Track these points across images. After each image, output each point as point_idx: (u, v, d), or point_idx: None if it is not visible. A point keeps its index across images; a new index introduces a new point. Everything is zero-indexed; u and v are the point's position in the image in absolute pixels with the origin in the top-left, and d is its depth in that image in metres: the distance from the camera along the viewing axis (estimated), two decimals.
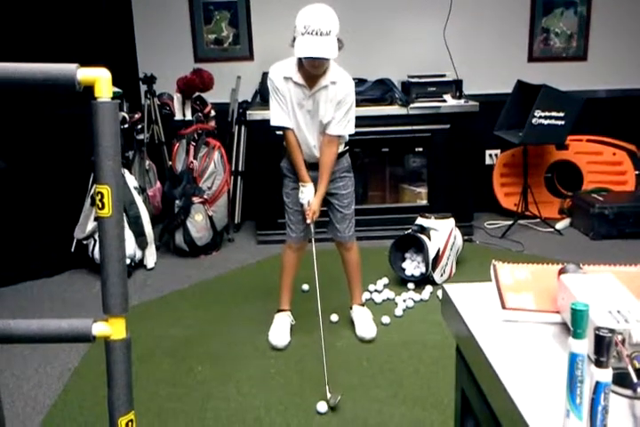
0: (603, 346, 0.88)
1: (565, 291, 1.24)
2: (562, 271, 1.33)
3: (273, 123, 2.92)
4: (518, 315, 1.31)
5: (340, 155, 3.00)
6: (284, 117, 2.89)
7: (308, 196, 2.99)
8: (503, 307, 1.33)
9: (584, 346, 0.92)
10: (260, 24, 4.76)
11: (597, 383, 0.89)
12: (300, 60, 2.76)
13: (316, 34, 2.62)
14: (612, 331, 0.88)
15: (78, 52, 3.78)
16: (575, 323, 0.93)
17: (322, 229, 4.87)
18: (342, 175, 3.06)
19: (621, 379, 1.04)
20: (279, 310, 3.23)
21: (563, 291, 1.26)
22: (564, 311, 1.25)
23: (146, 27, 4.78)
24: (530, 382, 1.11)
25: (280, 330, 3.13)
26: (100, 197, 1.33)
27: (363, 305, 3.28)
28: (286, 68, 2.83)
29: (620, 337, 1.08)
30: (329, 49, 2.64)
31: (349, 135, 3.00)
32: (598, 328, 0.89)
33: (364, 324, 3.17)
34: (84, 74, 1.28)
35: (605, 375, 0.89)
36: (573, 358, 0.92)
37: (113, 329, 1.35)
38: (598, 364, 0.89)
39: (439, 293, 3.19)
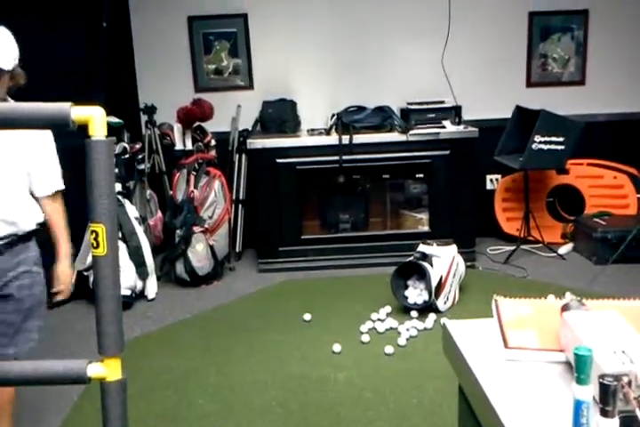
0: (608, 395, 0.85)
1: (568, 330, 1.21)
2: (564, 308, 1.30)
3: None
4: (521, 354, 1.28)
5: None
6: None
7: None
8: (505, 346, 1.30)
9: (589, 392, 0.89)
10: (260, 53, 4.79)
11: None
12: None
13: None
14: (617, 378, 0.85)
15: (80, 83, 3.81)
16: (579, 369, 0.90)
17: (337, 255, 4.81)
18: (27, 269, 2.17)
19: (629, 423, 1.00)
20: None
21: (566, 329, 1.23)
22: (568, 350, 1.22)
23: (146, 57, 4.81)
24: (534, 425, 1.08)
25: None
26: (94, 235, 1.31)
27: None
28: None
29: (626, 379, 1.04)
30: None
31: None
32: (603, 376, 0.86)
33: None
34: (78, 113, 1.27)
35: (612, 426, 0.86)
36: (578, 406, 0.89)
37: (108, 370, 1.32)
38: (604, 413, 0.86)
39: (442, 321, 3.14)
